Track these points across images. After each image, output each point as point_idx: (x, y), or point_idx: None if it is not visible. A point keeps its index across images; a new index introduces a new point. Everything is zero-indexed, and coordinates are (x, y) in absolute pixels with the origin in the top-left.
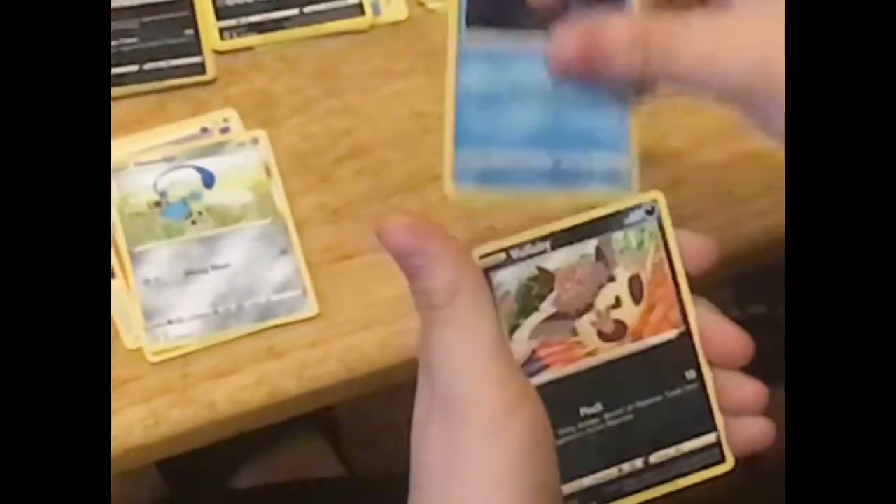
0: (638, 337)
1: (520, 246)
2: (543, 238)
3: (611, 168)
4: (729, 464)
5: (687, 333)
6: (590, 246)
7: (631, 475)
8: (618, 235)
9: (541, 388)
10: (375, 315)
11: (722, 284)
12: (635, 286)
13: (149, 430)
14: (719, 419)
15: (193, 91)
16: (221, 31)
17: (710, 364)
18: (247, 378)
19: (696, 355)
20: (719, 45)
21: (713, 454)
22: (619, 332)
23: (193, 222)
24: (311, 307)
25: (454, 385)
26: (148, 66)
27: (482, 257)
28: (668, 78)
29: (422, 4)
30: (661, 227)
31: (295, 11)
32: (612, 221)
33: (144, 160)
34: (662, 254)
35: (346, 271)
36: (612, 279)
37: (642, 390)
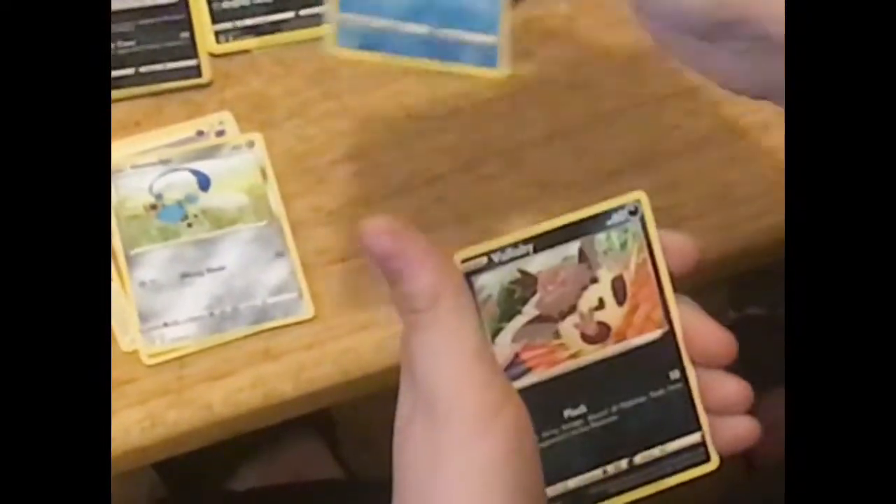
0: (621, 338)
1: (502, 249)
2: (526, 241)
3: (482, 46)
4: (714, 463)
5: (670, 333)
6: (572, 248)
7: (616, 476)
8: (601, 237)
9: (524, 391)
10: (371, 317)
11: (720, 285)
12: (618, 287)
13: (146, 431)
14: (704, 419)
15: (189, 94)
16: (217, 34)
17: (694, 363)
18: (243, 380)
19: (679, 355)
20: None
21: (698, 454)
22: (602, 333)
23: (189, 225)
24: (306, 310)
25: (436, 388)
26: (144, 69)
27: (464, 261)
28: None
29: None
30: (644, 228)
31: (291, 14)
32: (595, 223)
33: (140, 163)
34: (646, 254)
35: (342, 274)
36: (595, 281)
37: (626, 391)
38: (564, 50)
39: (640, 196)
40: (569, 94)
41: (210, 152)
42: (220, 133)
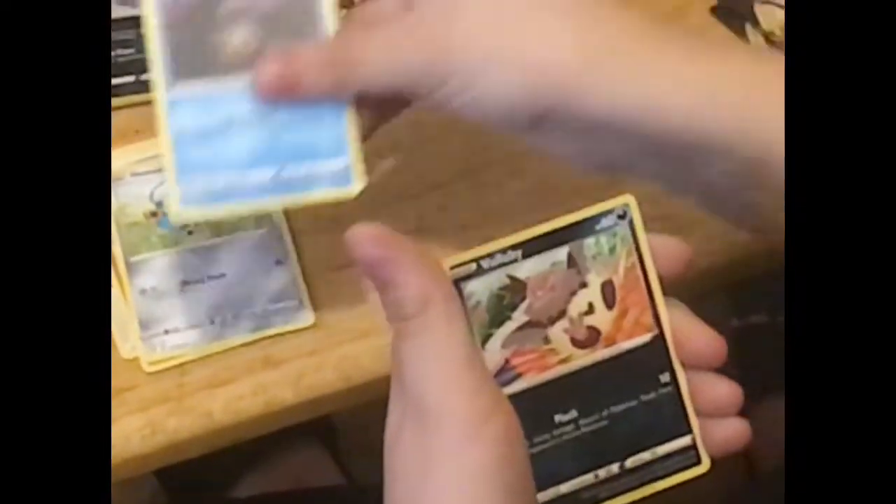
0: (611, 342)
1: (490, 255)
2: (514, 247)
3: (333, 171)
4: (705, 465)
5: (660, 337)
6: (561, 253)
7: (607, 480)
8: (589, 241)
9: (515, 397)
10: (372, 324)
11: (721, 292)
12: (608, 291)
13: (146, 439)
14: (694, 421)
15: None
16: None
17: (685, 366)
18: (244, 387)
19: (669, 358)
20: (398, 46)
21: (689, 456)
22: (592, 338)
23: (190, 232)
24: (307, 317)
25: (426, 395)
26: (144, 76)
27: (453, 267)
28: (363, 87)
29: None
30: (632, 231)
31: None
32: (584, 227)
33: (141, 170)
34: (634, 258)
35: (343, 280)
36: (584, 285)
37: (617, 395)
38: None
39: (628, 200)
40: None
41: None
42: None
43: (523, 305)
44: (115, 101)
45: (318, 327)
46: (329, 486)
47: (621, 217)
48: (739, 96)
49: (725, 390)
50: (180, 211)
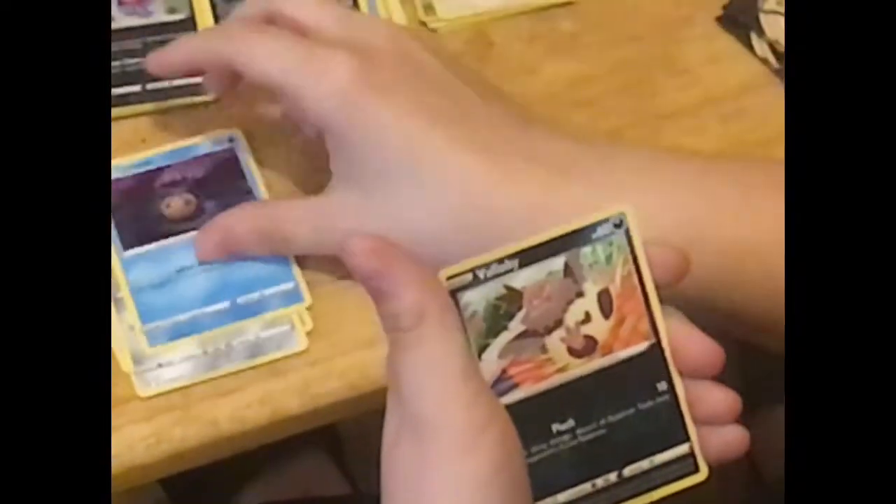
0: (608, 351)
1: (486, 265)
2: (511, 256)
3: (282, 292)
4: (703, 473)
5: (657, 345)
6: (558, 262)
7: (605, 489)
8: (586, 250)
9: (512, 407)
10: (378, 333)
11: None
12: (604, 300)
13: (151, 448)
14: (692, 429)
15: (196, 111)
16: None
17: (682, 374)
18: (249, 396)
19: (666, 367)
20: (322, 225)
21: (687, 464)
22: (589, 347)
23: None
24: (299, 342)
25: (422, 406)
26: (151, 85)
27: (449, 278)
28: (295, 252)
29: (424, 24)
30: (629, 240)
31: None
32: (580, 236)
33: None
34: (631, 266)
35: (349, 289)
36: (580, 294)
37: (614, 404)
38: (568, 67)
39: (624, 209)
40: (572, 111)
41: None
42: None
43: (520, 315)
44: (121, 111)
45: (324, 336)
46: (334, 496)
47: (617, 226)
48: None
49: (723, 398)
50: (149, 348)
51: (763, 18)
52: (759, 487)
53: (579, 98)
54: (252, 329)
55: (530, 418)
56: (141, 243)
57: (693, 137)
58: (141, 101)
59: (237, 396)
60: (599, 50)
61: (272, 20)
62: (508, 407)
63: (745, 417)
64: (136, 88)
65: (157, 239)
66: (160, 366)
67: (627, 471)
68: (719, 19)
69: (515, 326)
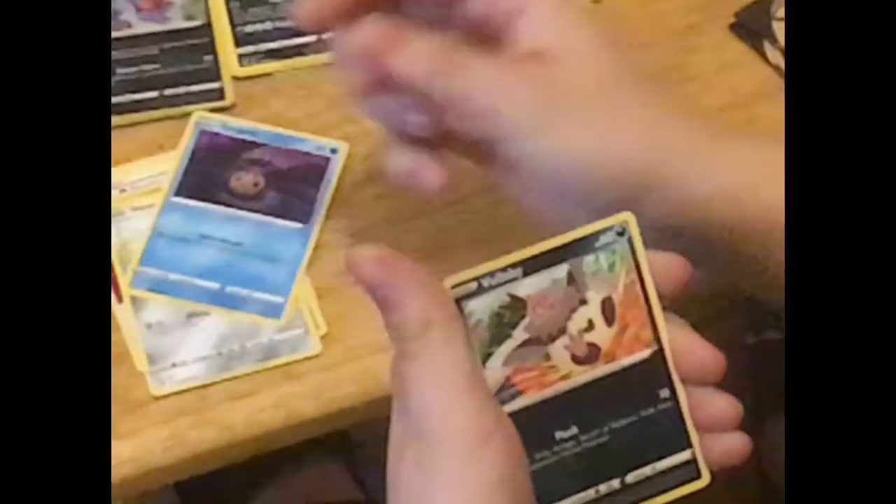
0: (611, 358)
1: (491, 274)
2: (515, 265)
3: (268, 303)
4: (705, 479)
5: (660, 352)
6: (561, 270)
7: (608, 496)
8: (589, 258)
9: (515, 415)
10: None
11: (737, 309)
12: (607, 308)
13: (168, 451)
14: (694, 436)
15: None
16: (241, 57)
17: (684, 381)
18: (265, 400)
19: (669, 374)
20: (502, 71)
21: (689, 470)
22: (592, 354)
23: None
24: (313, 345)
25: (427, 416)
26: (168, 91)
27: (453, 287)
28: (457, 94)
29: None
30: (631, 248)
31: (313, 38)
32: (583, 245)
33: (142, 205)
34: (634, 275)
35: (363, 294)
36: (584, 302)
37: (617, 411)
38: None
39: (627, 217)
40: None
41: None
42: None
43: (524, 323)
44: (138, 116)
45: (338, 340)
46: (346, 501)
47: (620, 234)
48: None
49: (725, 405)
50: (130, 290)
51: (776, 26)
52: (769, 496)
53: None
54: (266, 331)
55: (534, 426)
56: (191, 197)
57: None
58: (158, 107)
59: (252, 400)
60: None
61: None
62: (512, 414)
63: (755, 427)
64: (154, 94)
65: (207, 201)
66: (174, 365)
67: (630, 477)
68: (732, 27)
69: (519, 334)
